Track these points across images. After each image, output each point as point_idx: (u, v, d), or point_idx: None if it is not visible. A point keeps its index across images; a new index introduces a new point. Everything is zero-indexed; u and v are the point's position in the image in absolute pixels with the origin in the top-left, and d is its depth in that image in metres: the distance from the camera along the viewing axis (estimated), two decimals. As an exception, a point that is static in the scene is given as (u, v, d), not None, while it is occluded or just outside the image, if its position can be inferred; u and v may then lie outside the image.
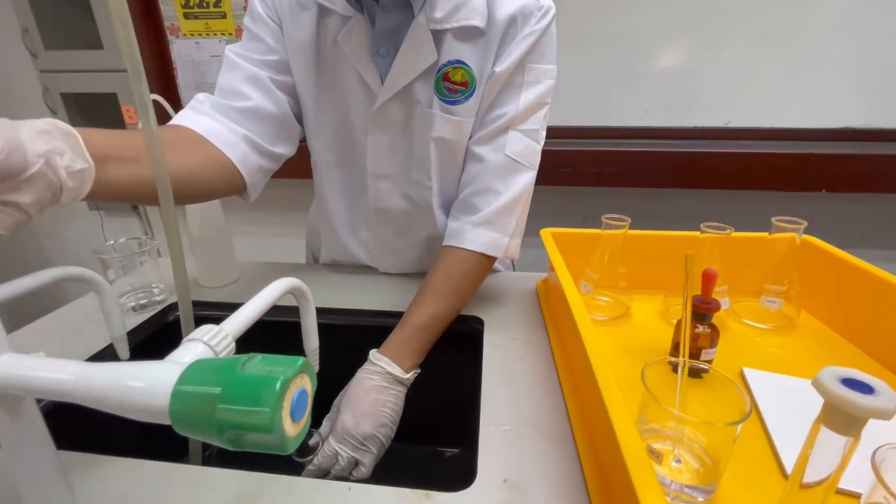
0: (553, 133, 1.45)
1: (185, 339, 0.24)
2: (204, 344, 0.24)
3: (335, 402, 0.52)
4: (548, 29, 0.58)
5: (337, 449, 0.47)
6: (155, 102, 0.60)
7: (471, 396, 0.52)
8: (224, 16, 1.39)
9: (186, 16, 1.40)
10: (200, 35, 1.42)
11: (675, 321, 0.55)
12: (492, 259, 0.62)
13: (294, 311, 0.56)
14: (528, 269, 0.84)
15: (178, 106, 1.47)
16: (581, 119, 1.45)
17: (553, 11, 0.58)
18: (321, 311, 0.66)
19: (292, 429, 0.20)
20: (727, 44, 1.31)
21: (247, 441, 0.19)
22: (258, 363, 0.21)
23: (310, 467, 0.47)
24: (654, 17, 1.31)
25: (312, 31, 0.59)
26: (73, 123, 1.22)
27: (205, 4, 1.38)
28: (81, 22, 1.37)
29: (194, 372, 0.20)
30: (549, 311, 0.65)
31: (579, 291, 0.64)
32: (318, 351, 0.42)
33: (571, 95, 1.42)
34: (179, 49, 1.43)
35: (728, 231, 0.59)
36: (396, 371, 0.51)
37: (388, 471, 0.49)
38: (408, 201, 0.68)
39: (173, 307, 0.68)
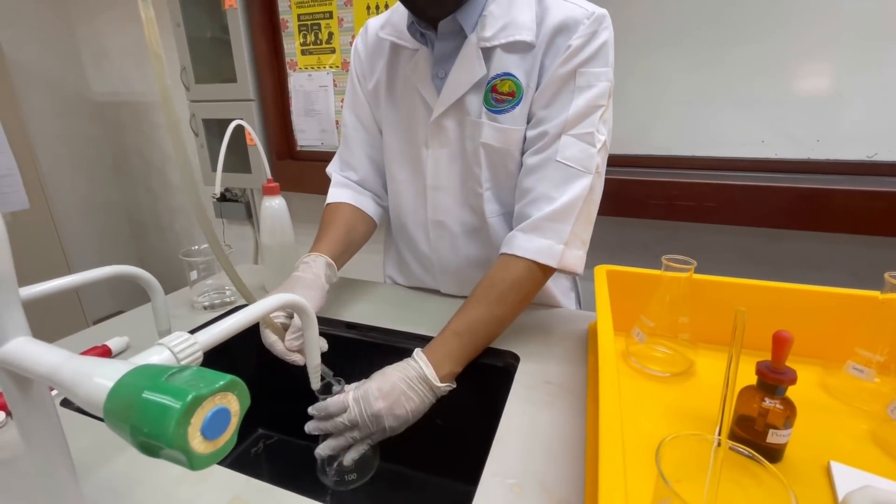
0: (644, 162, 1.36)
1: (156, 342, 0.26)
2: (169, 350, 0.25)
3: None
4: (598, 34, 0.57)
5: (350, 403, 0.49)
6: (239, 126, 0.68)
7: (484, 437, 0.48)
8: (333, 51, 1.54)
9: (303, 52, 1.59)
10: (313, 68, 1.59)
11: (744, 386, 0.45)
12: (544, 269, 0.59)
13: (375, 330, 0.57)
14: (594, 307, 0.77)
15: (288, 131, 1.67)
16: (681, 148, 1.32)
17: (605, 18, 0.58)
18: (369, 329, 0.69)
19: (203, 446, 0.20)
20: (880, 66, 1.10)
21: (156, 450, 0.20)
22: (186, 376, 0.21)
23: (319, 405, 0.50)
24: (777, 38, 1.15)
25: (384, 67, 0.69)
26: (209, 144, 1.44)
27: (319, 41, 1.55)
28: (222, 60, 1.63)
29: (132, 376, 0.22)
30: (593, 357, 0.59)
31: (634, 339, 0.57)
32: (319, 368, 0.42)
33: (669, 122, 1.30)
34: (294, 81, 1.62)
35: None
36: (430, 375, 0.52)
37: (382, 489, 0.49)
38: (465, 211, 0.70)
39: (240, 308, 0.75)
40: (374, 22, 0.72)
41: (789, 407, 0.41)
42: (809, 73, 1.16)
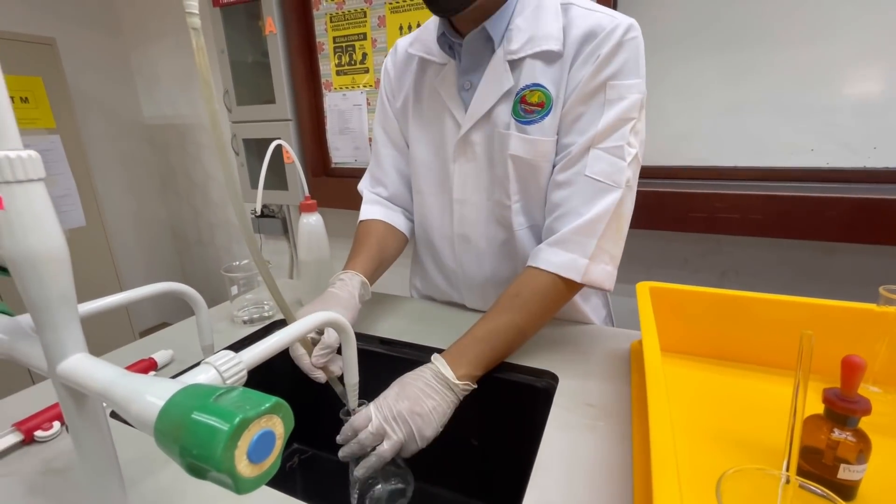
0: (684, 174, 1.31)
1: (202, 361, 0.26)
2: (215, 369, 0.26)
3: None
4: (625, 44, 0.55)
5: (372, 411, 0.48)
6: (278, 145, 0.70)
7: (524, 462, 0.46)
8: (367, 70, 1.59)
9: (339, 73, 1.64)
10: (347, 88, 1.64)
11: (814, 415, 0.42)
12: (569, 283, 0.58)
13: (405, 345, 0.61)
14: (630, 325, 0.74)
15: (323, 148, 1.72)
16: (722, 158, 1.27)
17: (632, 27, 0.56)
18: (394, 343, 0.68)
19: (249, 470, 0.20)
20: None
21: (204, 473, 0.20)
22: (233, 398, 0.21)
23: (344, 417, 0.50)
24: (825, 42, 1.10)
25: (411, 83, 0.71)
26: (249, 162, 1.50)
27: (353, 62, 1.60)
28: (262, 82, 1.70)
29: (182, 395, 0.22)
30: (637, 378, 0.56)
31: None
32: (357, 387, 0.42)
33: (711, 131, 1.26)
34: (330, 101, 1.67)
35: None
36: (448, 373, 0.52)
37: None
38: (491, 225, 0.69)
39: (278, 323, 0.76)
40: (403, 41, 0.73)
41: (863, 440, 0.37)
42: (862, 77, 1.10)
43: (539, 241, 0.63)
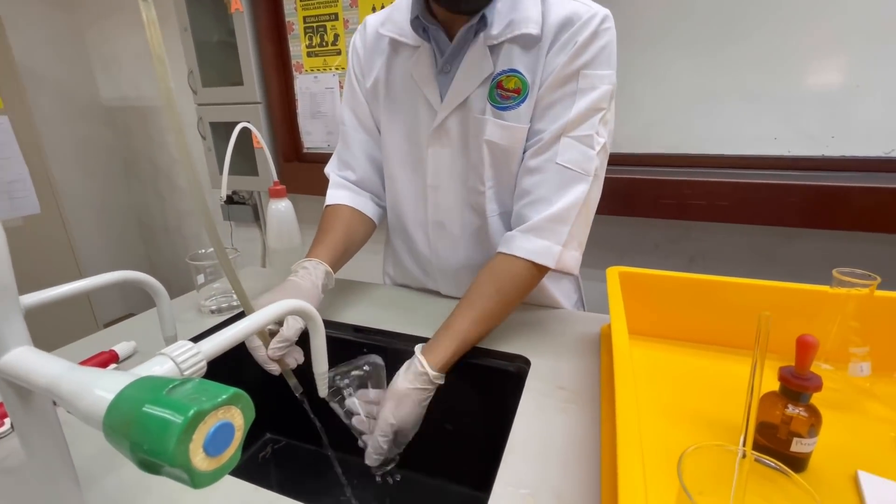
0: (655, 161, 1.34)
1: (158, 353, 0.25)
2: (171, 360, 0.25)
3: None
4: (600, 34, 0.56)
5: (378, 440, 0.53)
6: (245, 129, 0.68)
7: (495, 442, 0.47)
8: (339, 52, 1.54)
9: (309, 54, 1.59)
10: (319, 70, 1.59)
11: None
12: (541, 269, 0.60)
13: (379, 333, 0.61)
14: (600, 309, 0.75)
15: (294, 133, 1.67)
16: (689, 146, 1.30)
17: (608, 18, 0.57)
18: (368, 331, 0.68)
19: (206, 463, 0.19)
20: (894, 60, 1.07)
21: (157, 468, 0.19)
22: (188, 389, 0.20)
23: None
24: (789, 33, 1.13)
25: (384, 66, 0.68)
26: (216, 147, 1.45)
27: (324, 43, 1.55)
28: (229, 63, 1.63)
29: (133, 388, 0.21)
30: (607, 361, 0.58)
31: None
32: (326, 375, 0.41)
33: (680, 119, 1.28)
34: (301, 83, 1.62)
35: (872, 284, 0.46)
36: (434, 373, 0.54)
37: (392, 493, 0.49)
38: (466, 211, 0.69)
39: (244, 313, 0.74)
40: (373, 19, 0.70)
41: (814, 414, 0.39)
42: (823, 68, 1.14)
43: (510, 227, 0.63)
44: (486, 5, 0.57)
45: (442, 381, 0.55)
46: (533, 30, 0.57)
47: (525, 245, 0.59)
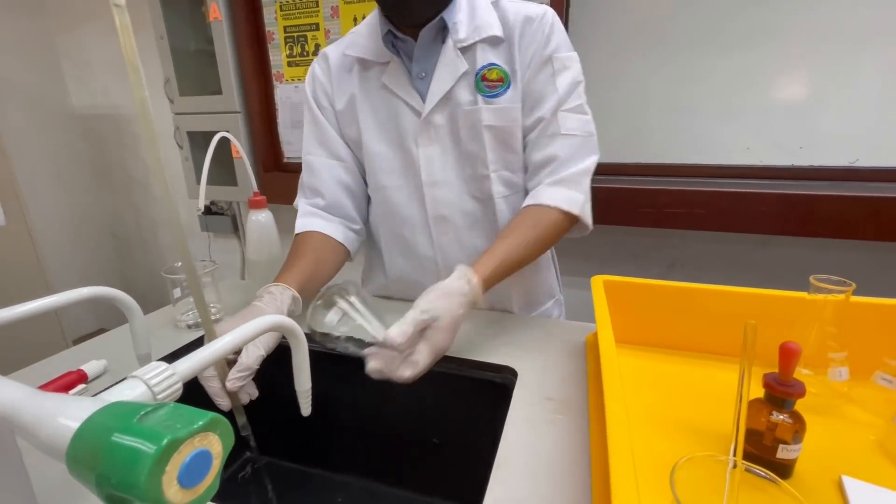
0: (633, 170, 1.36)
1: (129, 375, 0.24)
2: (144, 383, 0.23)
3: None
4: (556, 25, 0.66)
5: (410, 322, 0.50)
6: (224, 138, 0.66)
7: (484, 456, 0.46)
8: (320, 62, 1.53)
9: (290, 64, 1.57)
10: (299, 80, 1.58)
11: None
12: (569, 217, 0.65)
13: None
14: (583, 318, 0.76)
15: (275, 142, 1.65)
16: (666, 156, 1.33)
17: (550, 10, 0.66)
18: (360, 344, 0.66)
19: (180, 496, 0.18)
20: (856, 74, 1.13)
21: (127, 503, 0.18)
22: (161, 415, 0.19)
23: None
24: (759, 48, 1.17)
25: (357, 84, 0.71)
26: (194, 156, 1.40)
27: (305, 53, 1.54)
28: (207, 71, 1.60)
29: (102, 415, 0.19)
30: (594, 370, 0.58)
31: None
32: (309, 393, 0.40)
33: (658, 130, 1.31)
34: (281, 92, 1.60)
35: (848, 290, 0.47)
36: (479, 292, 0.56)
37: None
38: (467, 200, 0.71)
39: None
40: (333, 49, 0.73)
41: (798, 421, 0.40)
42: (790, 82, 1.19)
43: (515, 208, 0.70)
44: (442, 9, 0.63)
45: (481, 297, 0.57)
46: (497, 32, 0.65)
47: (554, 195, 0.65)
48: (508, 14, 0.65)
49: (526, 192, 0.71)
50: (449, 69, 0.65)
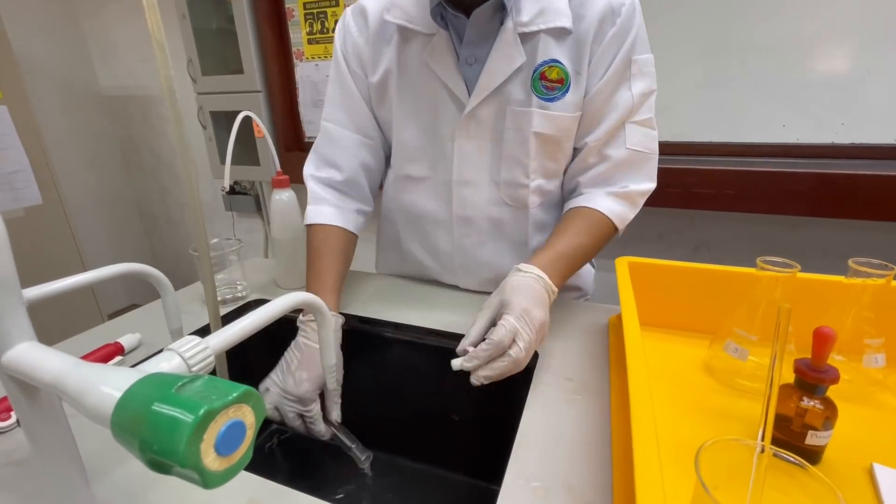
0: (659, 149, 1.32)
1: (165, 348, 0.25)
2: (179, 356, 0.24)
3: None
4: (638, 20, 0.58)
5: (517, 326, 0.48)
6: (246, 118, 0.66)
7: (504, 434, 0.47)
8: (340, 40, 1.51)
9: (310, 41, 1.56)
10: (320, 58, 1.57)
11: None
12: (615, 231, 0.64)
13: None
14: (607, 300, 0.75)
15: (296, 122, 1.65)
16: (694, 134, 1.28)
17: (637, 2, 0.58)
18: (381, 324, 0.67)
19: (217, 463, 0.19)
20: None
21: (167, 468, 0.19)
22: (198, 387, 0.20)
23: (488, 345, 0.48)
24: (799, 14, 1.10)
25: (395, 57, 0.63)
26: (217, 136, 1.40)
27: (325, 30, 1.53)
28: (229, 50, 1.61)
29: (142, 385, 0.20)
30: (616, 352, 0.57)
31: (728, 355, 0.52)
32: (334, 368, 0.41)
33: (688, 108, 1.26)
34: (302, 71, 1.60)
35: (890, 274, 0.45)
36: (554, 290, 0.55)
37: (400, 485, 0.48)
38: (494, 204, 0.67)
39: (252, 303, 0.74)
40: (374, 5, 0.63)
41: (830, 407, 0.39)
42: (832, 53, 1.11)
43: (548, 216, 0.68)
44: None
45: (554, 297, 0.55)
46: (566, 23, 0.56)
47: (609, 205, 0.62)
48: (586, 4, 0.56)
49: (561, 198, 0.68)
50: (504, 60, 0.57)
